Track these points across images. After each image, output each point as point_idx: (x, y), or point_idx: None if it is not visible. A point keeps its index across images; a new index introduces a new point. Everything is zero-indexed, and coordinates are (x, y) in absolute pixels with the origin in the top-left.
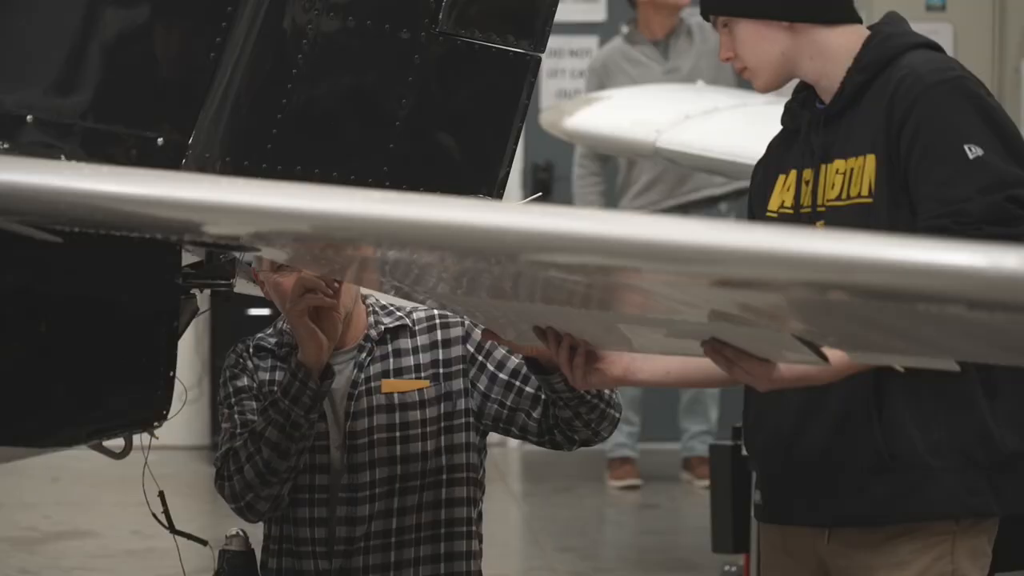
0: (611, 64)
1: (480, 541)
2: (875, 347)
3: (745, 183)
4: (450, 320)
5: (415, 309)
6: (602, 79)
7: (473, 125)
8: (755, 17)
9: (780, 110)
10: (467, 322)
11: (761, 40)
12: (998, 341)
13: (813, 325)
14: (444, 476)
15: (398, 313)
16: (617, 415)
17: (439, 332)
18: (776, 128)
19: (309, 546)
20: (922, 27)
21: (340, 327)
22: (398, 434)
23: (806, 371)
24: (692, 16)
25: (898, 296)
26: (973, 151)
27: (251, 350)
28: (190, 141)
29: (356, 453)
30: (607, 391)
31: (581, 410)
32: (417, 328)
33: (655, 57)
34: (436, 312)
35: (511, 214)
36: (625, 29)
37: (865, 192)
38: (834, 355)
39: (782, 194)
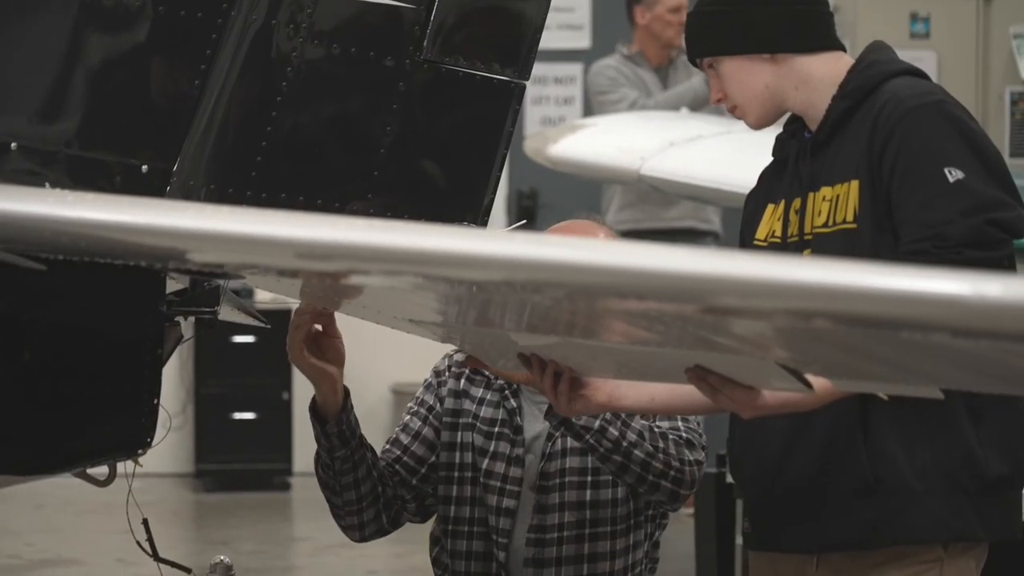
0: (619, 77)
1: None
2: (859, 375)
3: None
4: None
5: None
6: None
7: (458, 152)
8: (737, 54)
9: (763, 138)
10: None
11: (745, 75)
12: (982, 369)
13: (797, 353)
14: (632, 521)
15: None
16: (678, 490)
17: None
18: (760, 155)
19: None
20: (906, 54)
21: (344, 352)
22: (589, 478)
23: (790, 398)
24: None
25: (882, 324)
26: (954, 174)
27: (455, 366)
28: (174, 169)
29: (547, 494)
30: (673, 463)
31: (612, 469)
32: None
33: (654, 84)
34: None
35: (495, 241)
36: (625, 50)
37: (850, 218)
38: (818, 382)
39: (771, 223)
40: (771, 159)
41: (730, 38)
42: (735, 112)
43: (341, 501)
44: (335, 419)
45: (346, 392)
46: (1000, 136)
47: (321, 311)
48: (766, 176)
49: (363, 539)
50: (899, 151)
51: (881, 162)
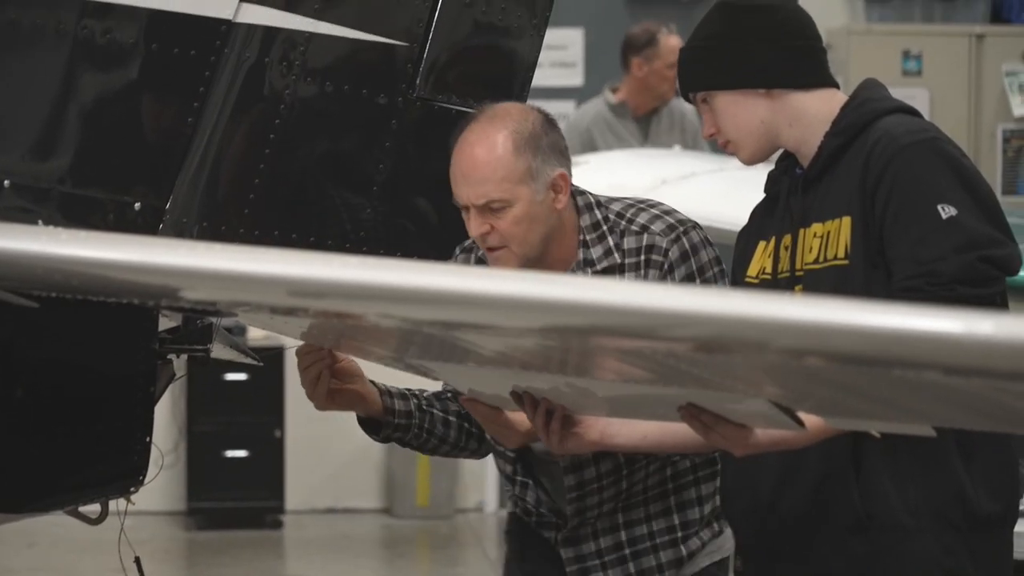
0: (595, 130)
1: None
2: (851, 412)
3: None
4: None
5: None
6: (585, 143)
7: (450, 190)
8: (732, 88)
9: (757, 175)
10: None
11: (740, 110)
12: (974, 407)
13: (789, 390)
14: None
15: None
16: None
17: None
18: (753, 193)
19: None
20: (899, 92)
21: (356, 364)
22: None
23: (782, 436)
24: (673, 100)
25: (874, 362)
26: (947, 211)
27: None
28: (167, 206)
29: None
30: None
31: None
32: None
33: (635, 134)
34: None
35: (488, 280)
36: (611, 97)
37: (841, 254)
38: (810, 420)
39: (762, 260)
40: (763, 196)
41: (726, 72)
42: (728, 147)
43: (443, 452)
44: (385, 422)
45: (380, 391)
46: (992, 173)
47: (320, 350)
48: (758, 213)
49: (484, 456)
50: (892, 187)
51: (874, 199)
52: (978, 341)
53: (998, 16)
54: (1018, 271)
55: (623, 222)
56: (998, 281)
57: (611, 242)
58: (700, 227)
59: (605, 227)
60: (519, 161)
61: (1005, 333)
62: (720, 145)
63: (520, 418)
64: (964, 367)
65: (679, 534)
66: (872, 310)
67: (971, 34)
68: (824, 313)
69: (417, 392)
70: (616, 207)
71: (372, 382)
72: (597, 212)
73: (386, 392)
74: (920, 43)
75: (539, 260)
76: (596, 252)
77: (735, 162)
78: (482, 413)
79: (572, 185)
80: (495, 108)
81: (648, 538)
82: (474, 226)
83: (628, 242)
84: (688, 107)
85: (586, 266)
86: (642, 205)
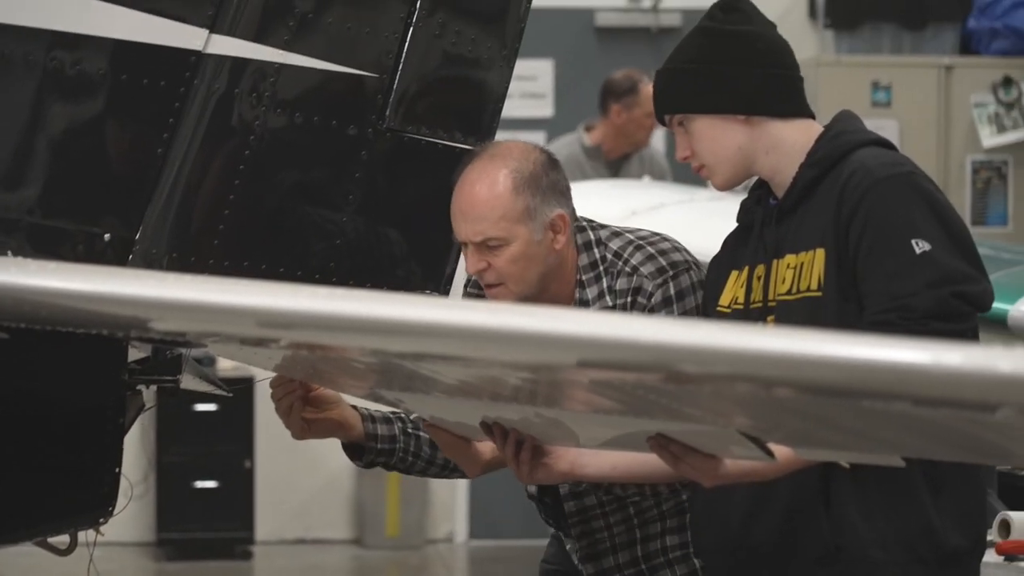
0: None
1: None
2: (821, 443)
3: None
4: None
5: None
6: None
7: (420, 221)
8: (711, 112)
9: (726, 205)
10: None
11: (718, 135)
12: (943, 437)
13: (759, 421)
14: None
15: None
16: None
17: None
18: (722, 223)
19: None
20: (868, 123)
21: (331, 392)
22: None
23: (752, 467)
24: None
25: (843, 392)
26: (921, 246)
27: None
28: (137, 237)
29: None
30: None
31: None
32: None
33: (606, 177)
34: None
35: (456, 311)
36: (586, 139)
37: (815, 286)
38: (780, 451)
39: (734, 290)
40: (735, 225)
41: (706, 96)
42: (701, 172)
43: (432, 474)
44: (368, 447)
45: (361, 417)
46: (961, 204)
47: (292, 381)
48: (730, 242)
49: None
50: (867, 221)
51: (848, 231)
52: (946, 372)
53: (967, 47)
54: (990, 307)
55: (619, 263)
56: (970, 317)
57: (605, 284)
58: (697, 269)
59: (601, 267)
60: (518, 200)
61: (973, 364)
62: (694, 169)
63: (485, 445)
64: (933, 398)
65: (691, 549)
66: (841, 341)
67: (940, 65)
68: (793, 344)
69: (403, 415)
70: (616, 245)
71: (354, 407)
72: (596, 251)
73: (368, 417)
74: (889, 74)
75: (537, 298)
76: (591, 293)
77: (704, 193)
78: (444, 439)
79: (580, 220)
80: (498, 146)
81: (662, 553)
82: (471, 262)
83: (620, 283)
84: (658, 150)
85: (581, 306)
86: (642, 242)
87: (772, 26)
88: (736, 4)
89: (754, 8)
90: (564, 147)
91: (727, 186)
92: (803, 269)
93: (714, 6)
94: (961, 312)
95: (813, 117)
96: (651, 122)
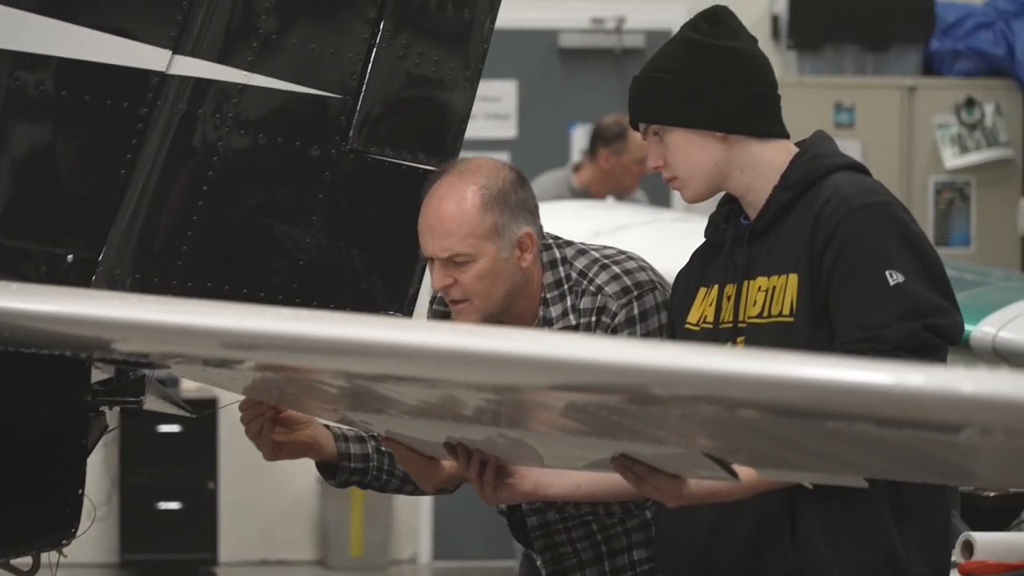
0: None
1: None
2: (784, 464)
3: None
4: None
5: None
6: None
7: (383, 242)
8: (691, 127)
9: (689, 227)
10: None
11: (695, 150)
12: (905, 458)
13: (722, 442)
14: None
15: None
16: None
17: None
18: (686, 243)
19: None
20: None
21: (316, 429)
22: None
23: (716, 487)
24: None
25: (806, 413)
26: (894, 277)
27: None
28: (100, 258)
29: None
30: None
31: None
32: None
33: None
34: None
35: (420, 332)
36: (574, 180)
37: (787, 311)
38: (744, 472)
39: (703, 308)
40: (703, 239)
41: (686, 110)
42: (672, 183)
43: (407, 491)
44: (341, 467)
45: (333, 436)
46: (924, 225)
47: (261, 403)
48: (698, 257)
49: (453, 491)
50: (841, 250)
51: (822, 259)
52: (908, 393)
53: (930, 69)
54: (960, 340)
55: (584, 282)
56: (940, 350)
57: (569, 302)
58: (662, 288)
59: (566, 286)
60: (486, 217)
61: (935, 385)
62: (665, 179)
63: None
64: (895, 419)
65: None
66: (804, 362)
67: (903, 87)
68: (756, 365)
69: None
70: (581, 264)
71: (327, 426)
72: (561, 270)
73: (340, 436)
74: (852, 95)
75: (502, 316)
76: (555, 311)
77: (668, 214)
78: (402, 453)
79: (547, 237)
80: (467, 163)
81: (629, 568)
82: (437, 278)
83: (584, 302)
84: (641, 195)
85: (544, 324)
86: (607, 261)
87: (755, 41)
88: (722, 16)
89: (738, 22)
90: (552, 186)
91: (697, 200)
92: (775, 293)
93: (699, 17)
94: (932, 345)
95: (788, 137)
96: (639, 169)
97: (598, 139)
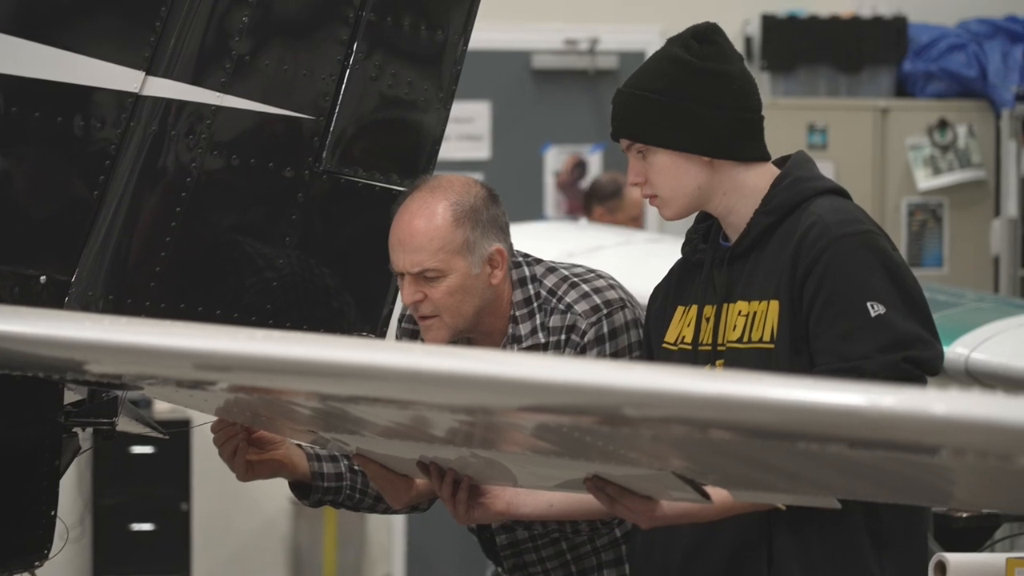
0: None
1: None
2: (757, 485)
3: None
4: None
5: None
6: None
7: (357, 263)
8: (678, 149)
9: (663, 248)
10: None
11: (679, 172)
12: (878, 479)
13: (695, 463)
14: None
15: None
16: None
17: None
18: (660, 264)
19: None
20: None
21: (289, 449)
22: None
23: (689, 508)
24: None
25: (779, 435)
26: (875, 308)
27: None
28: (73, 279)
29: None
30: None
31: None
32: None
33: None
34: None
35: (393, 353)
36: None
37: (767, 338)
38: (716, 493)
39: (681, 327)
40: (679, 256)
41: (674, 133)
42: (652, 201)
43: (380, 510)
44: (314, 486)
45: (306, 456)
46: (897, 247)
47: (234, 425)
48: (675, 274)
49: (427, 509)
50: (822, 279)
51: (804, 288)
52: (881, 414)
53: (903, 90)
54: (939, 371)
55: (553, 300)
56: (920, 381)
57: (538, 320)
58: (632, 306)
59: (535, 303)
60: (457, 233)
61: (907, 406)
62: (644, 195)
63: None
64: (868, 440)
65: None
66: (776, 384)
67: (876, 108)
68: (728, 386)
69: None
70: (550, 282)
71: (300, 446)
72: (530, 287)
73: (314, 456)
74: (825, 117)
75: (471, 332)
76: (524, 329)
77: (641, 235)
78: (372, 471)
79: (517, 255)
80: (439, 178)
81: None
82: (407, 293)
83: (553, 320)
84: None
85: (514, 342)
86: (577, 279)
87: (742, 60)
88: (713, 35)
89: (728, 41)
90: None
91: (675, 218)
92: (755, 319)
93: (689, 34)
94: (911, 376)
95: (770, 158)
96: (634, 226)
97: (593, 196)
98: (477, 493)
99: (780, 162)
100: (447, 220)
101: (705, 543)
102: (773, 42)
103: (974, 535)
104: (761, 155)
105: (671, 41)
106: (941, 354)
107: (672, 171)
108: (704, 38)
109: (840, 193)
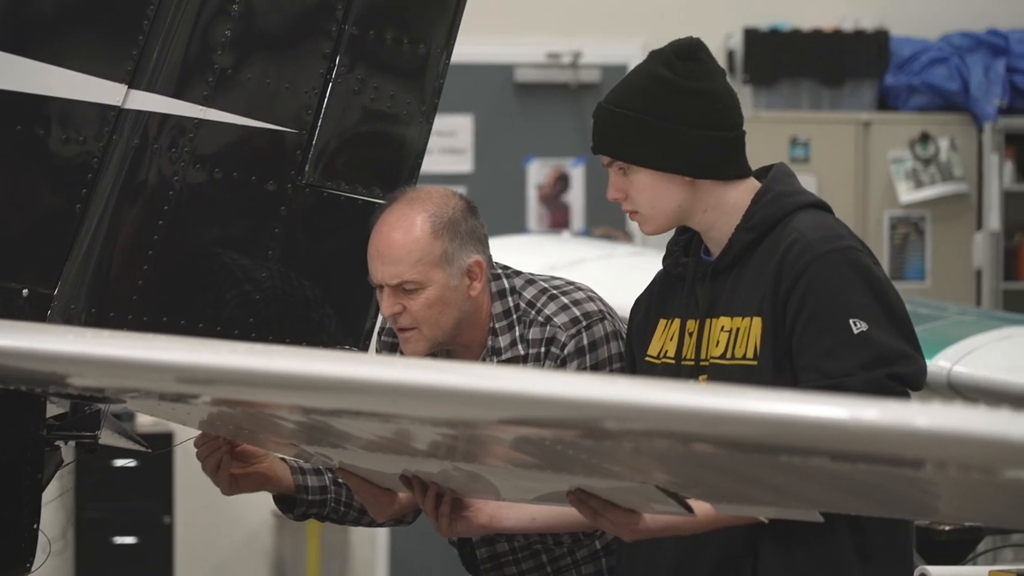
0: None
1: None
2: (740, 498)
3: None
4: None
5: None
6: None
7: (339, 277)
8: (659, 169)
9: (646, 261)
10: None
11: (661, 191)
12: (860, 492)
13: (678, 476)
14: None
15: None
16: None
17: None
18: (642, 278)
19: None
20: None
21: (272, 462)
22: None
23: (672, 522)
24: None
25: (761, 448)
26: (858, 325)
27: None
28: (55, 292)
29: None
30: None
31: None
32: None
33: None
34: None
35: (376, 367)
36: None
37: (750, 354)
38: (699, 506)
39: (664, 341)
40: (660, 267)
41: (656, 153)
42: (633, 216)
43: (365, 523)
44: (299, 500)
45: (290, 469)
46: (880, 260)
47: (216, 438)
48: (657, 284)
49: (411, 522)
50: (805, 297)
51: (787, 305)
52: (863, 427)
53: (885, 104)
54: (923, 386)
55: (532, 312)
56: (904, 397)
57: (518, 332)
58: (611, 318)
59: (515, 316)
60: (436, 244)
61: (889, 419)
62: (625, 210)
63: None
64: (850, 453)
65: None
66: (759, 397)
67: (858, 121)
68: (711, 400)
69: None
70: (529, 293)
71: (284, 459)
72: (509, 299)
73: (298, 469)
74: (808, 130)
75: (451, 344)
76: (504, 341)
77: (623, 248)
78: (356, 484)
79: (496, 267)
80: (417, 191)
81: None
82: (386, 305)
83: (532, 333)
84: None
85: (493, 354)
86: (556, 292)
87: (724, 74)
88: (696, 52)
89: (711, 57)
90: None
91: (655, 233)
92: (739, 335)
93: (671, 51)
94: (895, 392)
95: (751, 173)
96: None
97: None
98: (460, 506)
99: (761, 172)
100: (425, 232)
101: (690, 558)
102: (755, 56)
103: (957, 548)
104: (743, 172)
105: (653, 57)
106: (924, 369)
107: (653, 189)
108: (686, 55)
109: (821, 207)
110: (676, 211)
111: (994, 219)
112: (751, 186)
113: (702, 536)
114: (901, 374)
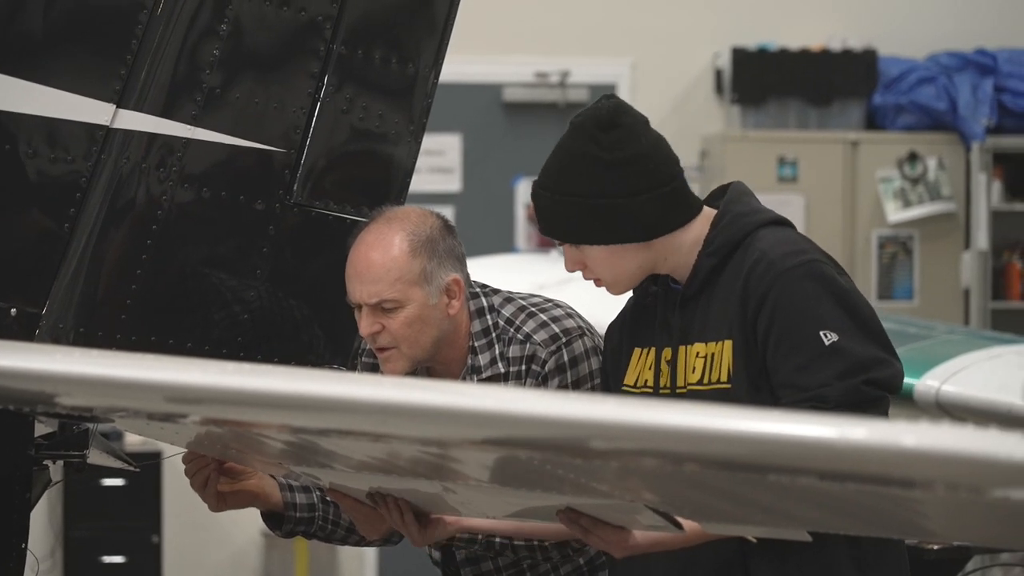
0: None
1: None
2: (728, 518)
3: None
4: None
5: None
6: None
7: (327, 296)
8: (610, 243)
9: None
10: None
11: (617, 260)
12: (849, 511)
13: (666, 496)
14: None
15: None
16: None
17: None
18: (628, 298)
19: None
20: (774, 198)
21: (261, 479)
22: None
23: (661, 538)
24: None
25: (749, 468)
26: (829, 337)
27: None
28: (43, 312)
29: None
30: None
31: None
32: None
33: None
34: None
35: (364, 386)
36: None
37: (724, 378)
38: (689, 524)
39: (641, 370)
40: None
41: (603, 231)
42: (597, 283)
43: (352, 542)
44: (287, 516)
45: (279, 486)
46: (867, 279)
47: (204, 456)
48: (628, 312)
49: (398, 542)
50: (773, 315)
51: (756, 326)
52: (851, 446)
53: (873, 123)
54: (900, 388)
55: (511, 330)
56: (883, 401)
57: (497, 350)
58: (591, 334)
59: (494, 334)
60: (414, 263)
61: (878, 439)
62: (585, 279)
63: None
64: (838, 472)
65: None
66: (748, 417)
67: (846, 141)
68: (700, 419)
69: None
70: (508, 311)
71: (272, 476)
72: (488, 318)
73: (286, 487)
74: (795, 149)
75: (430, 363)
76: (483, 359)
77: None
78: (347, 504)
79: (474, 285)
80: (395, 210)
81: None
82: (365, 324)
83: (512, 351)
84: None
85: (473, 373)
86: (534, 309)
87: (647, 123)
88: (616, 117)
89: (633, 114)
90: None
91: (623, 293)
92: (713, 360)
93: (592, 125)
94: (872, 397)
95: (702, 207)
96: None
97: None
98: (425, 516)
99: (718, 193)
100: (404, 251)
101: (684, 568)
102: (743, 75)
103: (946, 567)
104: (692, 213)
105: (577, 132)
106: (900, 371)
107: (609, 260)
108: (607, 125)
109: (781, 223)
110: (637, 271)
111: (982, 238)
112: (706, 216)
113: (693, 553)
114: (877, 379)
